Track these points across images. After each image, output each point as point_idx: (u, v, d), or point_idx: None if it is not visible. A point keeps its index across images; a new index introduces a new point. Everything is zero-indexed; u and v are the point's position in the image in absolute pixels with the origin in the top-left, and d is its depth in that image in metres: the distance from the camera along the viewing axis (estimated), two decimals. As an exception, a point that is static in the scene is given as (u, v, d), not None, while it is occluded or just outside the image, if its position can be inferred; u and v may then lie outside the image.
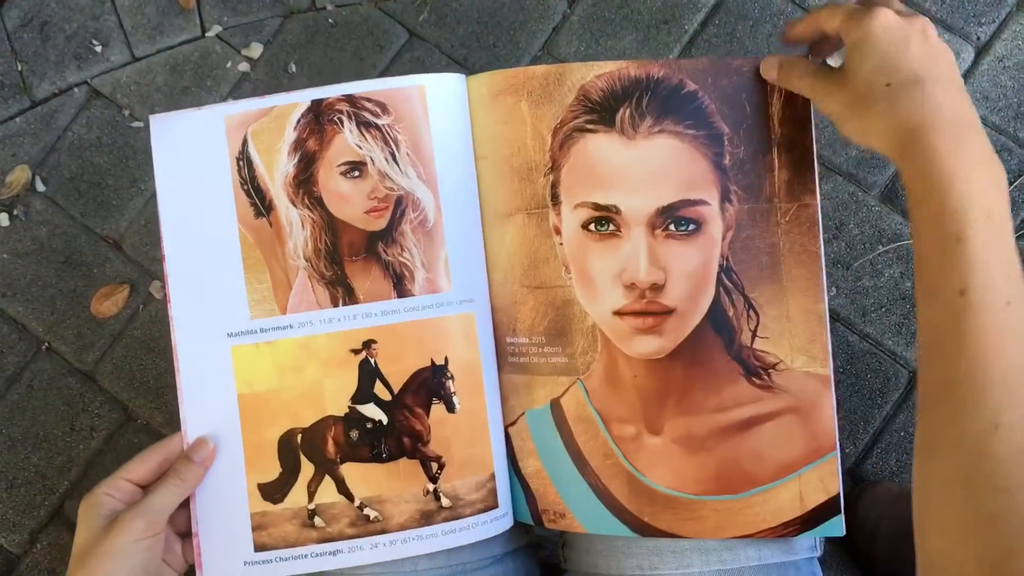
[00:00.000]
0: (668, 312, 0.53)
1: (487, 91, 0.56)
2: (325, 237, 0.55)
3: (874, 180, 1.08)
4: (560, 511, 0.56)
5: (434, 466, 0.55)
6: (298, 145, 0.55)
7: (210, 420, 0.55)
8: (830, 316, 0.89)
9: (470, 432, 0.55)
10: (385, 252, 0.55)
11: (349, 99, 0.55)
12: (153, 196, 1.06)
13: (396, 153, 0.55)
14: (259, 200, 0.55)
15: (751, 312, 0.53)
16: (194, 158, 0.56)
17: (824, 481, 0.52)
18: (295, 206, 0.55)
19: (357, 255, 0.55)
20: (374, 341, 0.55)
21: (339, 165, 0.55)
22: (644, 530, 0.54)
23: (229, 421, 0.54)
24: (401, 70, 1.14)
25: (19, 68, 1.16)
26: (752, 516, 0.53)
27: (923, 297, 0.42)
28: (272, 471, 0.54)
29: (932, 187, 0.41)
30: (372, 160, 0.55)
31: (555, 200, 0.55)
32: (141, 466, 0.52)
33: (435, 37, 1.15)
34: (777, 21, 1.13)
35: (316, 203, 0.55)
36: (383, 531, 0.54)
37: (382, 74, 1.14)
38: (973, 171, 0.41)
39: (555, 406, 0.56)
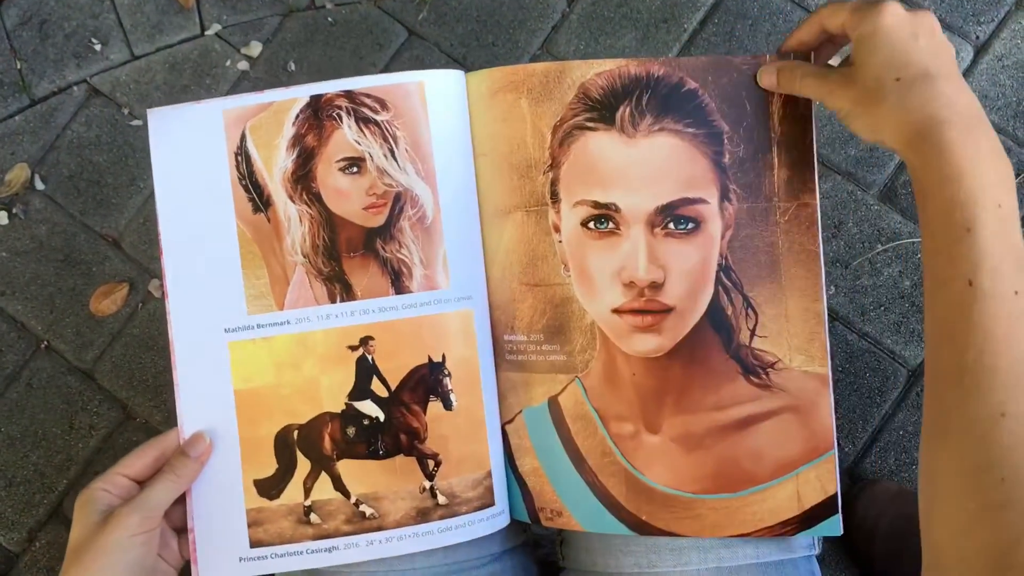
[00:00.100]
0: (667, 310, 0.53)
1: (487, 88, 0.56)
2: (323, 233, 0.55)
3: (873, 179, 1.08)
4: (557, 509, 0.56)
5: (431, 463, 0.54)
6: (297, 141, 0.55)
7: (206, 416, 0.54)
8: (829, 315, 0.89)
9: (467, 429, 0.55)
10: (383, 248, 0.55)
11: (348, 95, 0.55)
12: (152, 194, 1.06)
13: (395, 149, 0.55)
14: (257, 195, 0.55)
15: (750, 311, 0.53)
16: (192, 153, 0.56)
17: (822, 480, 0.52)
18: (293, 202, 0.55)
19: (355, 251, 0.55)
20: (371, 338, 0.54)
21: (338, 161, 0.55)
22: (642, 528, 0.54)
23: (225, 417, 0.54)
24: (400, 69, 1.14)
25: (18, 66, 1.15)
26: (750, 515, 0.53)
27: (932, 287, 0.42)
28: (268, 467, 0.54)
29: (943, 179, 0.41)
30: (371, 156, 0.55)
31: (554, 198, 0.55)
32: (137, 461, 0.52)
33: (434, 36, 1.15)
34: (776, 20, 1.13)
35: (314, 199, 0.55)
36: (379, 528, 0.54)
37: (381, 72, 1.14)
38: (983, 164, 0.41)
39: (553, 404, 0.56)
